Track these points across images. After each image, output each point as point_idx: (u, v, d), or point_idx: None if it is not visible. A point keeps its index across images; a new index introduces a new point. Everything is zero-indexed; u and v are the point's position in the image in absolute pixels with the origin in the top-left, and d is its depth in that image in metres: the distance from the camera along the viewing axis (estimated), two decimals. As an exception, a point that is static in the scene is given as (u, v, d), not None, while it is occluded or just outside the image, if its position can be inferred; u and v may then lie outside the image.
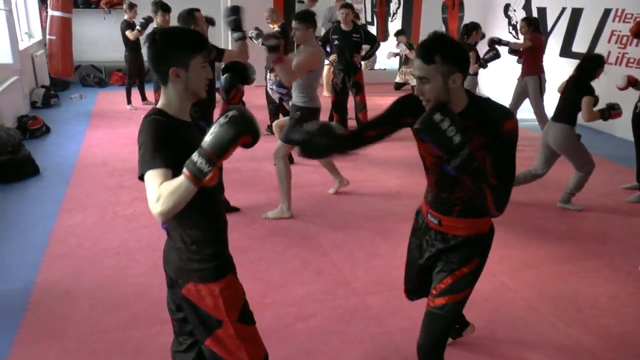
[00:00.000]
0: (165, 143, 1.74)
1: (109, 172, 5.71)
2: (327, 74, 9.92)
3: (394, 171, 5.70)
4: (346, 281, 3.69)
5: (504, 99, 8.33)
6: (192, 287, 1.95)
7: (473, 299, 3.29)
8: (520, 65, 7.12)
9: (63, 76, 8.89)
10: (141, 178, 1.72)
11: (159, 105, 1.88)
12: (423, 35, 11.56)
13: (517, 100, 7.12)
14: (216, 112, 4.22)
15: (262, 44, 4.22)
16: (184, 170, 1.62)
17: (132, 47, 8.32)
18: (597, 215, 4.96)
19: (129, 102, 8.58)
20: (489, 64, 6.60)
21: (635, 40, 7.43)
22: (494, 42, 6.68)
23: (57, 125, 7.49)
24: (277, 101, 6.84)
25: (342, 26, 6.94)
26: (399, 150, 6.34)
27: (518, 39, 9.80)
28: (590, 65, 4.63)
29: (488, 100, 2.07)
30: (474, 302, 3.30)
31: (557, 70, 7.51)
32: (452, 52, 1.95)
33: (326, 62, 9.75)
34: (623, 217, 4.95)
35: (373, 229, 4.54)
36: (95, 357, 2.85)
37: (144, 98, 8.89)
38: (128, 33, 8.13)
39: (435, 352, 2.35)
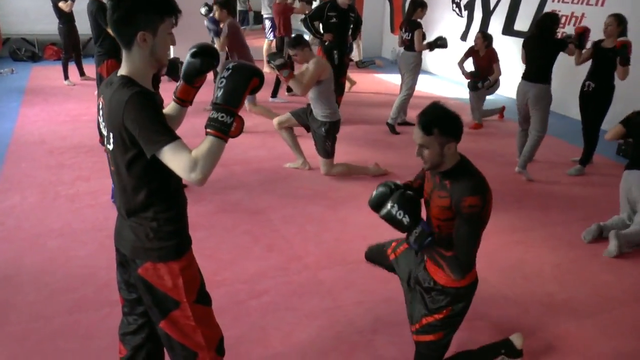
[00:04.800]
0: (163, 115, 1.73)
1: (47, 150, 5.46)
2: (267, 49, 9.76)
3: (343, 146, 5.67)
4: (298, 256, 3.68)
5: (448, 76, 8.49)
6: (150, 267, 1.87)
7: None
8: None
9: None
10: (152, 157, 1.68)
11: (124, 73, 1.76)
12: (367, 10, 11.59)
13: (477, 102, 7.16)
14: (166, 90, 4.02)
15: (271, 63, 4.69)
16: (209, 130, 1.67)
17: (65, 19, 7.92)
18: (542, 188, 5.13)
19: (66, 77, 8.20)
20: (435, 49, 6.71)
21: (572, 20, 7.71)
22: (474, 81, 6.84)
23: (-13, 101, 7.10)
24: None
25: (340, 4, 6.59)
26: (347, 126, 6.35)
27: (462, 16, 9.96)
28: (547, 23, 5.01)
29: (470, 171, 2.23)
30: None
31: (500, 48, 7.62)
32: (449, 125, 2.17)
33: (270, 36, 9.69)
34: (564, 189, 5.15)
35: (322, 203, 4.54)
36: (41, 344, 2.73)
37: (82, 73, 8.50)
38: (61, 4, 7.73)
39: None
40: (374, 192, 2.30)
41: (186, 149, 1.65)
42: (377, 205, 2.26)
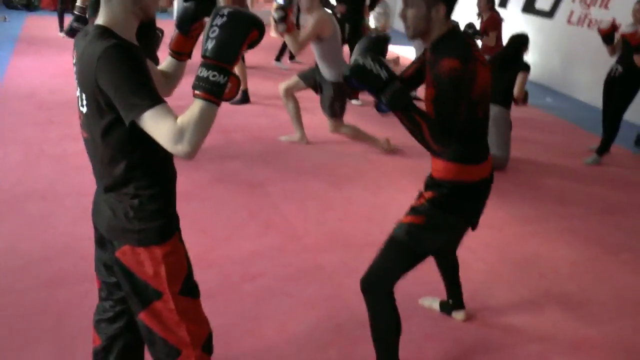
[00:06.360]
0: (147, 73, 1.41)
1: (36, 104, 5.15)
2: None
3: (348, 118, 5.39)
4: (297, 236, 3.42)
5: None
6: (128, 251, 1.60)
7: (432, 262, 3.07)
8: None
9: None
10: (131, 124, 1.39)
11: (101, 23, 1.46)
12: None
13: None
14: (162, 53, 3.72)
15: (273, 16, 4.35)
16: (197, 92, 1.36)
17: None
18: (556, 176, 4.86)
19: (62, 28, 7.83)
20: None
21: (598, 1, 7.29)
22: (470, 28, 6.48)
23: (-24, 49, 6.75)
24: None
25: None
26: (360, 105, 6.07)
27: None
28: (517, 43, 4.70)
29: (459, 39, 1.94)
30: (434, 265, 3.09)
31: (519, 27, 7.27)
32: None
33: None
34: (580, 178, 4.88)
35: (326, 179, 4.26)
36: (11, 323, 2.47)
37: (78, 25, 8.14)
38: None
39: (381, 284, 2.10)
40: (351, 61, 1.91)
41: (171, 116, 1.36)
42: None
